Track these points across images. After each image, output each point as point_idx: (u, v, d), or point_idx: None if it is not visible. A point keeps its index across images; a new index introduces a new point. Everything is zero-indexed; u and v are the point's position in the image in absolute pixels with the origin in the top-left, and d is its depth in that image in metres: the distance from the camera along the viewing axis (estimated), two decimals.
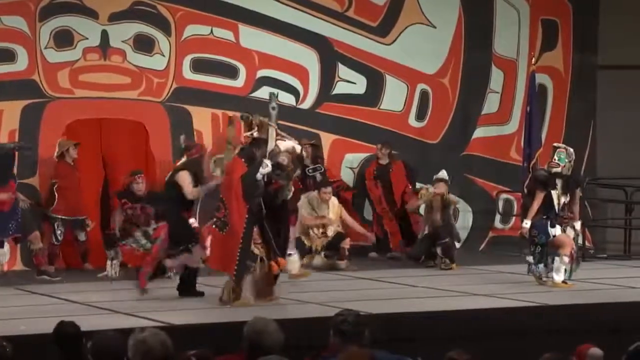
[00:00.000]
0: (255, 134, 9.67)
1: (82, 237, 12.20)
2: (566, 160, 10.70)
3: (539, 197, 10.73)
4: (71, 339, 5.82)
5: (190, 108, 13.21)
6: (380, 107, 14.10)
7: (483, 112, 14.64)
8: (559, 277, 10.70)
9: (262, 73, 13.53)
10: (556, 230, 10.69)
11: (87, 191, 12.46)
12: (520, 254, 13.70)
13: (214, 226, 9.55)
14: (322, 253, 12.23)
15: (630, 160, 14.96)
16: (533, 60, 14.12)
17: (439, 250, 12.31)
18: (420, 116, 14.30)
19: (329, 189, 12.31)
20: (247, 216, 9.32)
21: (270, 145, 9.52)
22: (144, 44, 12.99)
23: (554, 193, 10.67)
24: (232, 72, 13.39)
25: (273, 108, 9.66)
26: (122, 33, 12.90)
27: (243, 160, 9.54)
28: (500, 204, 14.74)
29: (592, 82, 15.19)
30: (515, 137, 14.64)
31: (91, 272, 11.85)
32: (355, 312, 5.99)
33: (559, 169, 10.65)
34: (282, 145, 10.62)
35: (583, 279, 11.23)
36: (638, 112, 15.25)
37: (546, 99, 14.96)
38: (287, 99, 13.63)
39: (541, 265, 10.71)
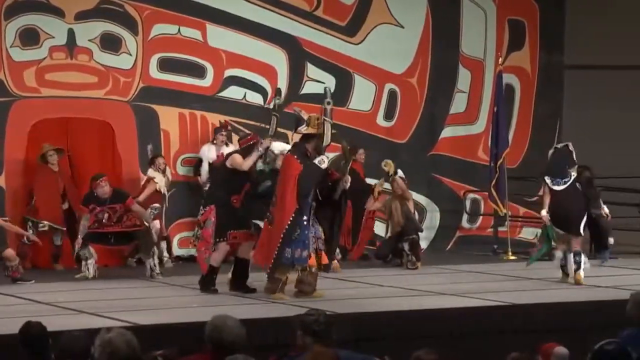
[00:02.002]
0: (304, 130, 9.72)
1: (57, 241, 12.16)
2: None
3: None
4: (37, 340, 5.78)
5: (157, 107, 13.17)
6: (349, 107, 14.11)
7: (451, 112, 14.69)
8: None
9: (230, 72, 13.50)
10: None
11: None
12: (488, 253, 13.82)
13: (266, 220, 9.64)
14: None
15: (597, 160, 15.06)
16: (500, 60, 14.21)
17: (405, 246, 12.33)
18: (388, 116, 14.33)
19: None
20: (294, 214, 9.41)
21: (326, 141, 9.64)
22: (110, 43, 12.93)
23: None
24: (199, 72, 13.36)
25: (328, 103, 9.79)
26: (89, 32, 12.84)
27: (296, 157, 9.59)
28: (468, 204, 14.80)
29: (559, 82, 15.28)
30: (483, 137, 14.71)
31: (60, 273, 11.80)
32: (324, 312, 6.00)
33: None
34: (275, 148, 10.67)
35: (550, 278, 11.30)
36: (604, 111, 15.36)
37: (513, 99, 15.03)
38: (255, 98, 13.63)
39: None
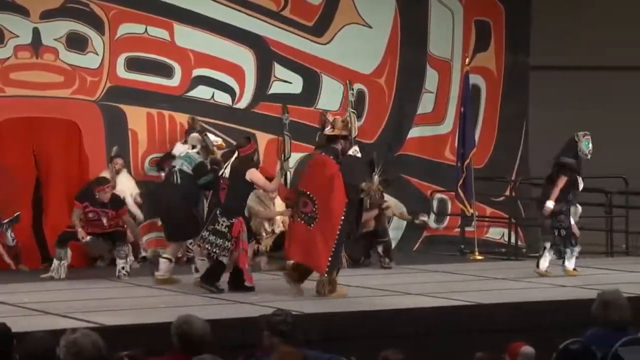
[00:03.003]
0: (329, 131, 9.96)
1: (9, 242, 12.05)
2: (590, 146, 11.07)
3: (562, 180, 11.09)
4: (1, 341, 5.73)
5: (124, 107, 13.11)
6: (317, 107, 14.10)
7: (418, 112, 14.73)
8: (571, 265, 11.14)
9: (197, 72, 13.47)
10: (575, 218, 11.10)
11: (19, 191, 12.30)
12: (455, 253, 13.87)
13: (301, 221, 9.76)
14: (266, 256, 12.15)
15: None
16: (467, 61, 14.26)
17: (380, 249, 12.36)
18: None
19: None
20: (344, 214, 9.63)
21: (354, 132, 10.02)
22: (76, 42, 12.86)
23: (580, 179, 11.04)
24: (167, 71, 13.31)
25: (352, 94, 10.48)
26: (54, 31, 12.76)
27: (330, 156, 9.81)
28: (435, 204, 14.84)
29: (525, 83, 15.37)
30: (450, 137, 14.76)
31: (23, 273, 11.71)
32: (290, 312, 6.00)
33: (590, 156, 11.10)
34: (214, 139, 10.87)
35: (516, 278, 11.36)
36: (569, 112, 15.45)
37: (479, 99, 15.10)
38: (223, 98, 13.60)
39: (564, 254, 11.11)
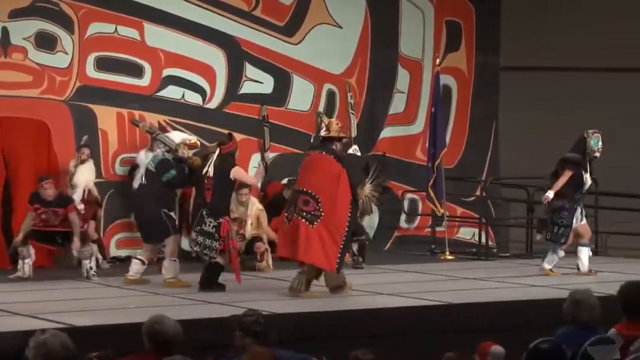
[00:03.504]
0: (324, 133, 10.17)
1: None
2: (600, 144, 10.96)
3: (567, 174, 11.01)
4: None
5: (94, 107, 13.04)
6: (288, 107, 14.10)
7: (390, 112, 14.75)
8: (548, 265, 11.10)
9: (168, 72, 13.42)
10: (580, 218, 11.03)
11: None
12: (426, 253, 13.90)
13: (301, 219, 9.77)
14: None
15: (532, 160, 15.23)
16: (437, 61, 14.30)
17: (354, 248, 12.38)
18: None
19: (246, 190, 12.24)
20: (350, 213, 9.80)
21: (353, 133, 10.45)
22: (46, 42, 12.77)
23: (585, 175, 10.95)
24: (137, 71, 13.26)
25: (352, 97, 10.85)
26: (23, 30, 12.66)
27: (331, 155, 9.94)
28: (406, 204, 14.87)
29: (495, 83, 15.43)
30: (421, 137, 14.79)
31: None
32: (261, 312, 5.99)
33: (599, 154, 10.97)
34: (176, 137, 10.87)
35: (487, 278, 11.40)
36: (539, 112, 15.55)
37: (450, 100, 15.14)
38: (193, 98, 13.56)
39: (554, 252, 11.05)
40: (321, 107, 14.29)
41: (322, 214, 9.73)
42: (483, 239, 14.07)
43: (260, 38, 13.93)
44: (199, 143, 11.60)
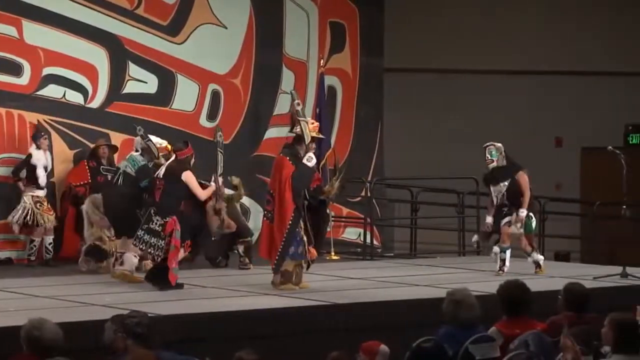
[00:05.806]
0: (298, 131, 10.33)
1: None
2: (497, 154, 11.46)
3: (489, 193, 11.63)
4: None
5: None
6: (172, 107, 13.98)
7: (275, 113, 14.74)
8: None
9: (48, 71, 13.16)
10: (504, 221, 11.44)
11: None
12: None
13: (265, 218, 10.39)
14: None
15: (415, 161, 15.44)
16: (322, 62, 14.36)
17: (240, 249, 12.33)
18: (211, 116, 14.26)
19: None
20: (293, 212, 10.08)
21: (307, 139, 10.25)
22: None
23: (492, 188, 11.49)
24: (15, 69, 12.96)
25: (298, 104, 10.50)
26: None
27: (288, 158, 10.26)
28: None
29: (379, 85, 15.57)
30: None
31: None
32: (146, 314, 5.92)
33: (494, 164, 11.45)
34: (156, 142, 11.22)
35: (372, 278, 11.48)
36: (421, 113, 15.76)
37: (336, 101, 15.22)
38: (75, 97, 13.32)
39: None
40: (205, 108, 14.20)
41: (275, 214, 10.18)
42: (368, 239, 14.18)
43: (144, 37, 13.78)
44: (170, 147, 11.44)
